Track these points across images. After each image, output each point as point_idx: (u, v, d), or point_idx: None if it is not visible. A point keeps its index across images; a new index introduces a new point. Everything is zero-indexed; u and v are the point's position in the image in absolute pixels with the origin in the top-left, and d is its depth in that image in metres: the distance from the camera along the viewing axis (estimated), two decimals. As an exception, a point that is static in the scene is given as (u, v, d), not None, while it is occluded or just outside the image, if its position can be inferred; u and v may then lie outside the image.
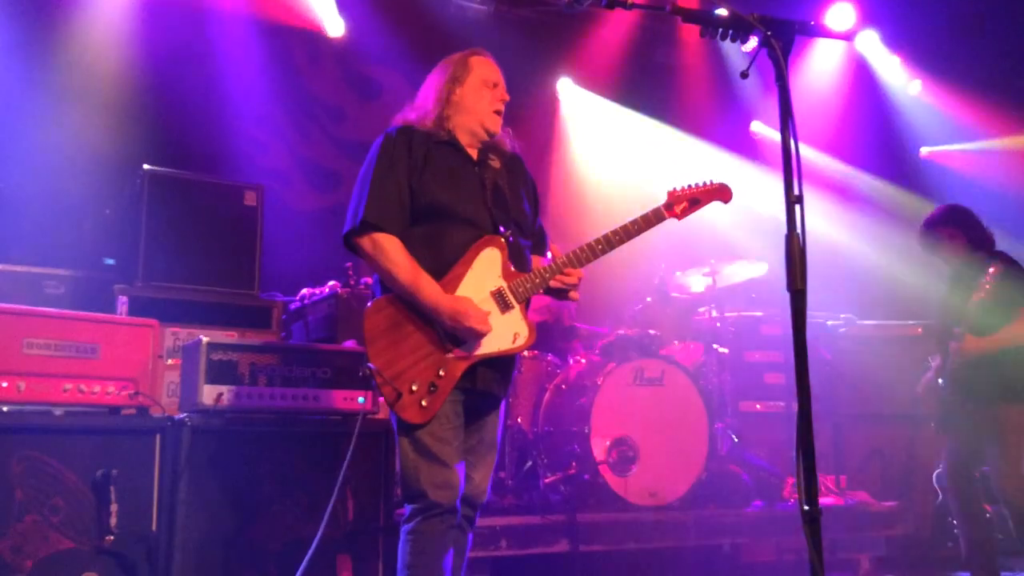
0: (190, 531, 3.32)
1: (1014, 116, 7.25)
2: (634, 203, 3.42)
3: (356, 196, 3.01)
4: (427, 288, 2.89)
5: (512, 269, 3.02)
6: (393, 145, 3.04)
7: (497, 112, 3.15)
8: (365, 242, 2.95)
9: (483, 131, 3.13)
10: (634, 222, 3.12)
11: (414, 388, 2.86)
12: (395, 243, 2.93)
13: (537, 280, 3.03)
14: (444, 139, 3.08)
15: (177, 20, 6.23)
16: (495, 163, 3.15)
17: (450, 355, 2.91)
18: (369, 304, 2.99)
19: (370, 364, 2.86)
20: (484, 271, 2.99)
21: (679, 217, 3.19)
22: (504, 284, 3.00)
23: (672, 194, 3.21)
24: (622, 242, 3.09)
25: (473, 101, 3.12)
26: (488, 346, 2.94)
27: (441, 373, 2.89)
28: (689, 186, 3.23)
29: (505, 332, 2.97)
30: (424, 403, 2.86)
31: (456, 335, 2.91)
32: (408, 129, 3.09)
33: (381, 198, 2.95)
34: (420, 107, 3.16)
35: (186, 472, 3.34)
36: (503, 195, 3.11)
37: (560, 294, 3.15)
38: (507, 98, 3.18)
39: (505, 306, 2.98)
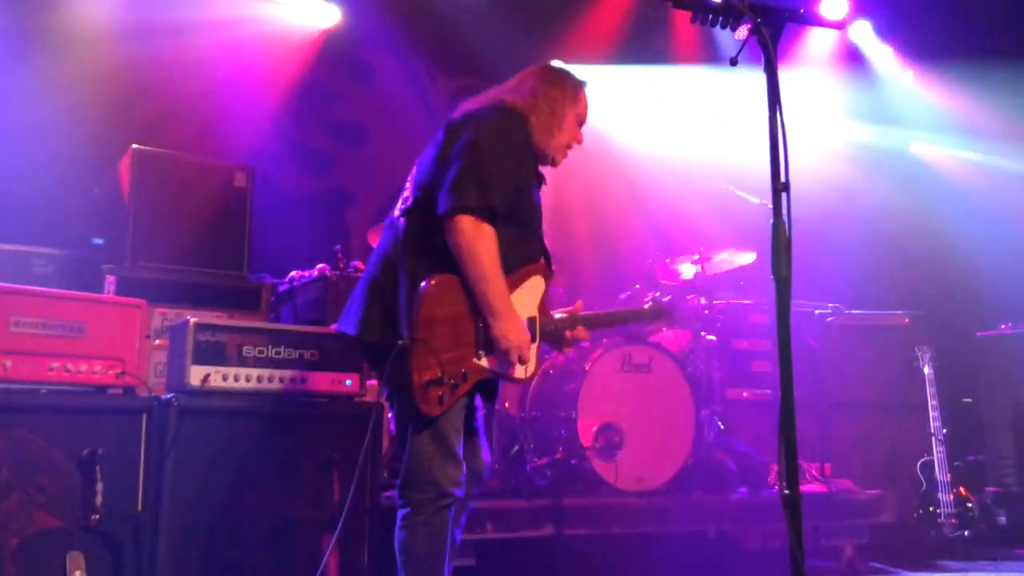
0: (176, 511, 3.32)
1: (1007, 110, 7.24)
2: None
3: (475, 169, 2.82)
4: (506, 293, 2.86)
5: (545, 304, 3.06)
6: (526, 139, 3.00)
7: (570, 150, 3.19)
8: (469, 222, 2.78)
9: (553, 161, 3.16)
10: (640, 313, 3.74)
11: (442, 379, 2.78)
12: (495, 237, 2.83)
13: (552, 327, 3.07)
14: (539, 156, 3.11)
15: (168, -1, 6.19)
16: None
17: (479, 361, 2.88)
18: (436, 278, 2.81)
19: (416, 337, 2.74)
20: (527, 296, 2.99)
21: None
22: (537, 316, 3.02)
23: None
24: (633, 323, 3.78)
25: (567, 131, 3.14)
26: (509, 367, 2.93)
27: (465, 374, 2.84)
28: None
29: None
30: (443, 397, 2.78)
31: (495, 345, 2.86)
32: (530, 130, 3.04)
33: (505, 189, 2.86)
34: (540, 114, 3.06)
35: (172, 452, 3.33)
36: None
37: (556, 343, 3.20)
38: (583, 141, 3.21)
39: (532, 337, 2.98)
